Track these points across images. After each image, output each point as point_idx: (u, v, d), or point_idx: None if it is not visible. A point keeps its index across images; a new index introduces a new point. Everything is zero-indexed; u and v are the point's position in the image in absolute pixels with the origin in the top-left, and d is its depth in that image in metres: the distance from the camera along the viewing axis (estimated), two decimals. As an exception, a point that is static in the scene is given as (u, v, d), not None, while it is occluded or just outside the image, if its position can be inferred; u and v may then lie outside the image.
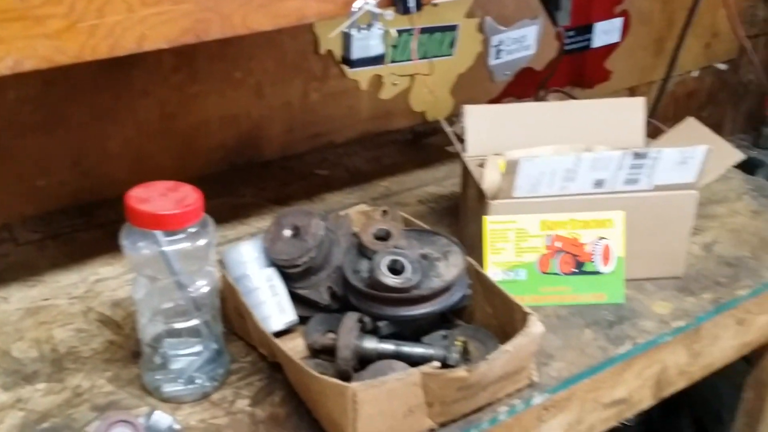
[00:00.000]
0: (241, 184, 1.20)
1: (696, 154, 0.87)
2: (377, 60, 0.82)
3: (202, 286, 0.76)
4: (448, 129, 0.99)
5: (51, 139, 1.08)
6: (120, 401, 0.78)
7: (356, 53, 0.78)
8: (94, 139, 1.12)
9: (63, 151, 1.10)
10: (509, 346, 0.72)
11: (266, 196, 1.17)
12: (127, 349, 0.86)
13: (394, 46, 1.29)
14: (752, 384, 1.17)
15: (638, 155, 0.87)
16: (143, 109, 1.14)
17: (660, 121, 1.13)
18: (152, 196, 0.72)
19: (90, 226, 1.09)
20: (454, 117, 1.06)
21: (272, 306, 0.84)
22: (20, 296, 0.94)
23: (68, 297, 0.94)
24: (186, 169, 1.15)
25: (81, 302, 0.93)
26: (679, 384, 0.96)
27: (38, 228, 1.08)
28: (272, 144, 1.28)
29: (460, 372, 0.70)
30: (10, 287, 0.96)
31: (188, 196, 0.73)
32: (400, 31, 1.25)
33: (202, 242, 0.73)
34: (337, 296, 0.85)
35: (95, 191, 1.14)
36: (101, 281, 0.98)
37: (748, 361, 1.21)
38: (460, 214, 1.06)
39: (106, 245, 1.04)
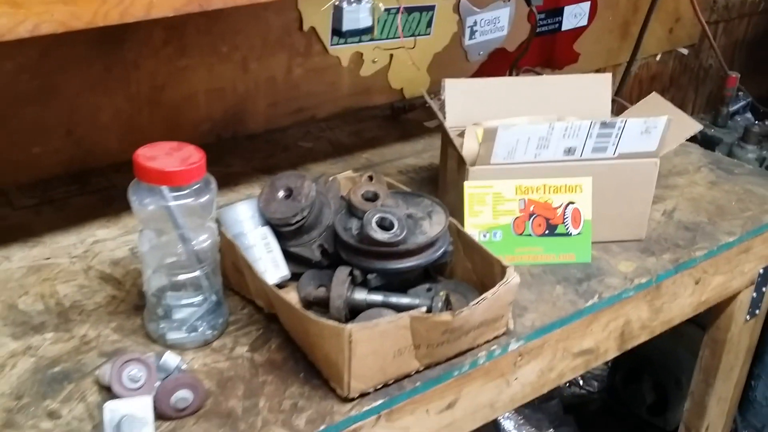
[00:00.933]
0: (228, 154, 1.25)
1: (658, 124, 0.94)
2: (366, 31, 0.88)
3: (204, 240, 0.82)
4: (429, 100, 1.05)
5: (45, 109, 1.12)
6: (127, 348, 0.83)
7: (347, 25, 0.84)
8: (87, 109, 1.16)
9: (57, 120, 1.14)
10: (489, 294, 0.79)
11: (253, 166, 1.23)
12: (129, 303, 0.91)
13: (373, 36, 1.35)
14: (708, 342, 1.25)
15: (605, 125, 0.94)
16: (134, 81, 1.18)
17: (625, 102, 1.21)
18: (158, 155, 0.77)
19: (84, 192, 1.13)
20: (432, 94, 1.12)
21: (267, 262, 0.90)
22: (21, 255, 0.99)
23: (69, 256, 0.99)
24: (174, 141, 1.20)
25: (81, 261, 0.98)
26: (642, 337, 1.04)
27: (33, 194, 1.12)
28: (257, 117, 1.33)
29: (445, 316, 0.77)
30: (11, 248, 1.00)
31: (192, 155, 0.78)
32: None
33: (204, 198, 0.79)
34: (327, 253, 0.91)
35: (88, 160, 1.18)
36: (99, 242, 1.02)
37: (703, 327, 1.30)
38: (440, 183, 1.13)
39: (102, 210, 1.09)
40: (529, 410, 1.64)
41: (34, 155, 1.14)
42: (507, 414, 1.59)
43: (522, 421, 1.60)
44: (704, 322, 1.27)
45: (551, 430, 1.62)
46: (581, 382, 1.87)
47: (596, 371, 1.87)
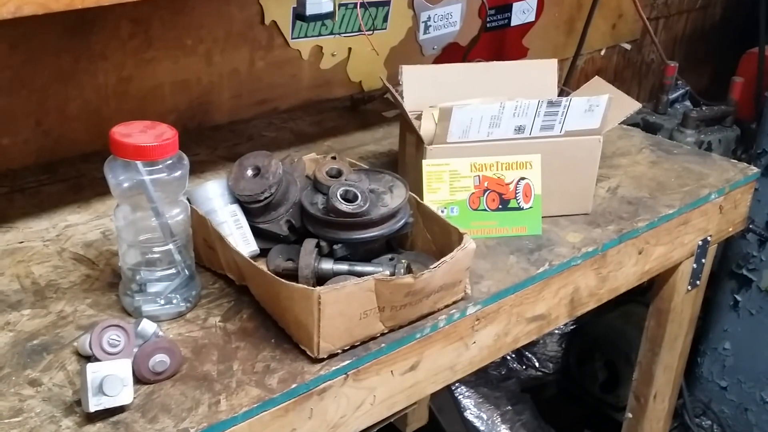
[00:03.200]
0: (194, 144, 1.29)
1: (600, 102, 1.02)
2: (328, 16, 0.93)
3: (176, 215, 0.86)
4: (389, 86, 1.11)
5: (15, 100, 1.15)
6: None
7: (310, 9, 0.89)
8: (56, 100, 1.19)
9: (26, 111, 1.17)
10: (448, 258, 0.85)
11: (219, 155, 1.27)
12: (104, 281, 0.94)
13: (334, 21, 1.41)
14: (653, 313, 1.33)
15: (552, 103, 1.01)
16: (102, 72, 1.22)
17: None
18: (133, 132, 0.82)
19: (55, 181, 1.16)
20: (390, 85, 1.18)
21: (237, 238, 0.94)
22: (-5, 240, 1.02)
23: (42, 240, 1.02)
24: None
25: (54, 244, 1.01)
26: (590, 304, 1.11)
27: (4, 183, 1.15)
28: (221, 109, 1.37)
29: (407, 278, 0.82)
30: (-16, 233, 1.03)
31: (165, 132, 0.82)
32: (339, 5, 1.37)
33: (177, 173, 0.83)
34: (294, 229, 0.96)
35: (57, 150, 1.21)
36: (71, 227, 1.05)
37: (646, 305, 1.38)
38: (399, 165, 1.19)
39: (72, 197, 1.12)
40: (488, 389, 1.70)
41: (4, 146, 1.17)
42: (467, 393, 1.65)
43: (481, 400, 1.66)
44: (651, 300, 1.35)
45: (509, 407, 1.69)
46: (537, 364, 1.94)
47: (551, 353, 1.95)
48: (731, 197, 1.26)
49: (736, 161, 1.33)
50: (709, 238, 1.27)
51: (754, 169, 1.31)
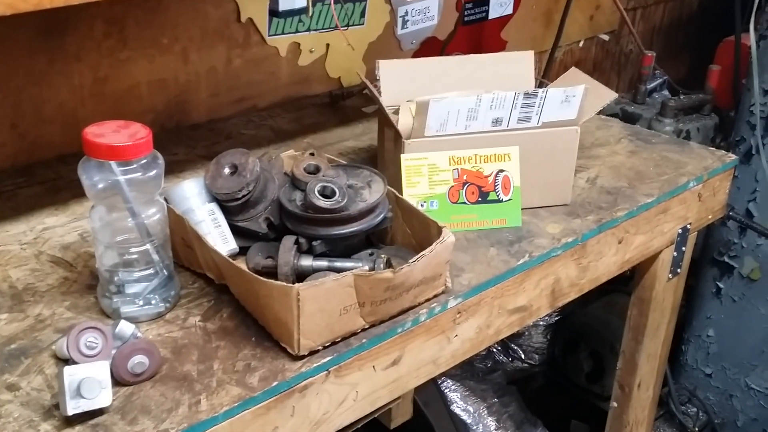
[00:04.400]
0: (172, 144, 1.29)
1: (576, 92, 1.02)
2: (301, 11, 0.93)
3: (153, 215, 0.85)
4: (367, 82, 1.11)
5: (-12, 103, 1.14)
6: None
7: (283, 5, 0.89)
8: (31, 102, 1.18)
9: (1, 114, 1.16)
10: (427, 251, 0.85)
11: (197, 154, 1.26)
12: (82, 283, 0.93)
13: (310, 17, 1.40)
14: (635, 302, 1.34)
15: (528, 95, 1.02)
16: (77, 73, 1.21)
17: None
18: (106, 132, 0.81)
19: (31, 184, 1.15)
20: (368, 80, 1.17)
21: (216, 237, 0.94)
22: (-29, 244, 1.00)
23: (19, 243, 1.01)
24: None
25: (32, 247, 1.00)
26: (571, 295, 1.11)
27: (-20, 187, 1.14)
28: (199, 107, 1.37)
29: (386, 273, 0.82)
30: (-40, 238, 1.02)
31: (139, 131, 0.82)
32: (315, 1, 1.36)
33: (152, 173, 0.82)
34: (273, 226, 0.96)
35: (33, 153, 1.20)
36: (48, 229, 1.04)
37: (629, 294, 1.39)
38: (379, 161, 1.19)
39: (49, 199, 1.11)
40: (474, 382, 1.71)
41: (-21, 149, 1.16)
42: (453, 386, 1.66)
43: (467, 393, 1.67)
44: (633, 289, 1.36)
45: (495, 399, 1.69)
46: (523, 356, 1.95)
47: (536, 344, 1.96)
48: (710, 185, 1.27)
49: (714, 149, 1.34)
50: (688, 226, 1.28)
51: (733, 157, 1.31)
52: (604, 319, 1.81)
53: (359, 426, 1.01)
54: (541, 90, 1.01)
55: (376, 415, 1.01)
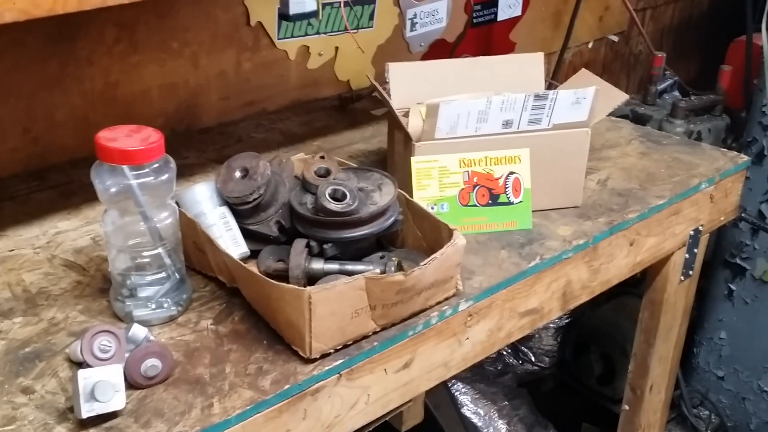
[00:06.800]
0: (182, 147, 1.29)
1: (587, 94, 1.02)
2: (311, 15, 0.93)
3: (165, 218, 0.86)
4: (376, 84, 1.11)
5: (2, 108, 1.15)
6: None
7: (293, 9, 0.89)
8: (43, 107, 1.19)
9: (13, 119, 1.16)
10: (438, 254, 0.85)
11: (208, 157, 1.27)
12: (94, 287, 0.94)
13: (320, 20, 1.41)
14: (647, 304, 1.33)
15: (539, 97, 1.01)
16: (88, 78, 1.21)
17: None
18: (119, 137, 0.81)
19: (44, 188, 1.16)
20: (378, 83, 1.18)
21: (227, 240, 0.94)
22: (-15, 249, 1.01)
23: (32, 247, 1.02)
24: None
25: (45, 251, 1.01)
26: (583, 297, 1.11)
27: (-6, 192, 1.15)
28: (209, 111, 1.37)
29: (398, 276, 0.82)
30: (-26, 242, 1.03)
31: (151, 135, 0.82)
32: (324, 5, 1.37)
33: (164, 177, 0.83)
34: (284, 229, 0.96)
35: (45, 157, 1.21)
36: (61, 233, 1.05)
37: (640, 297, 1.38)
38: (388, 163, 1.19)
39: (62, 204, 1.12)
40: (484, 385, 1.70)
41: (-8, 154, 1.16)
42: (463, 389, 1.66)
43: (478, 396, 1.66)
44: (644, 291, 1.35)
45: (506, 402, 1.69)
46: (533, 359, 1.95)
47: (547, 347, 1.95)
48: (722, 186, 1.27)
49: (726, 150, 1.34)
50: (700, 228, 1.27)
51: (745, 158, 1.31)
52: (614, 321, 1.80)
53: (371, 429, 1.01)
54: (551, 92, 1.01)
55: (387, 418, 1.01)
